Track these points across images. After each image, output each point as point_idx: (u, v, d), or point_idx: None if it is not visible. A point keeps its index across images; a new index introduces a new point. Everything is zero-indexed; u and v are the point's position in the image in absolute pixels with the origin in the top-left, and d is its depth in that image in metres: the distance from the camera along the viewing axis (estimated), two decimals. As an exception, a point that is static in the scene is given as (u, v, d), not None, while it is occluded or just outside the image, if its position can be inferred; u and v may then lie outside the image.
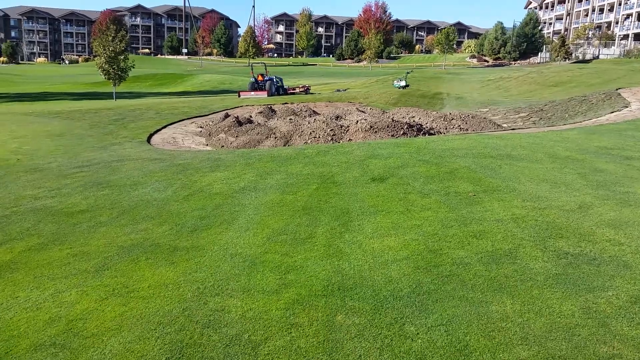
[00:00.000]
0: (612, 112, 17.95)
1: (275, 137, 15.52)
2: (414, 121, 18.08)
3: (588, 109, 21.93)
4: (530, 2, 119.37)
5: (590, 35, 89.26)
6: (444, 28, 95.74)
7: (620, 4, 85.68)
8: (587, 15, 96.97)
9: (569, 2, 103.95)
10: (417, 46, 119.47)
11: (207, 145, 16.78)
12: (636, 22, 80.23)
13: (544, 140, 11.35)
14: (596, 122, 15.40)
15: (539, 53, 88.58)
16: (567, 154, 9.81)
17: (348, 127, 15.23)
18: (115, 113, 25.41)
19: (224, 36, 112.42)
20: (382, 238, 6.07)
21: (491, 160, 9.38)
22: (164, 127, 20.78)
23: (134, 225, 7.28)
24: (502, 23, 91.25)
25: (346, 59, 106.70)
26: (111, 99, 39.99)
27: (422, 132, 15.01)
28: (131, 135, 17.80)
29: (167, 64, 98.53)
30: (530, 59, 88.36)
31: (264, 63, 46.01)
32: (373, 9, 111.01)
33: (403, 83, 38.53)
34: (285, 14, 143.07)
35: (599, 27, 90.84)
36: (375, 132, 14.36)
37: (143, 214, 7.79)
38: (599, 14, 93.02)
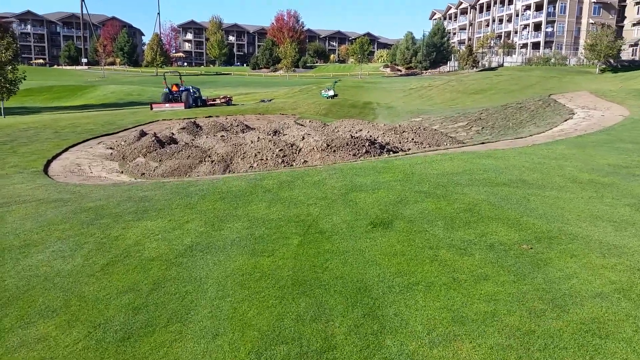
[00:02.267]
0: (566, 121, 17.19)
1: (212, 161, 12.73)
2: (365, 136, 16.10)
3: (531, 117, 21.34)
4: (435, 13, 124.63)
5: (492, 44, 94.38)
6: (356, 38, 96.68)
7: (517, 15, 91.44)
8: (488, 25, 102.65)
9: (470, 12, 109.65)
10: (331, 56, 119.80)
11: (122, 172, 13.58)
12: (533, 32, 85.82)
13: (541, 158, 9.74)
14: (559, 132, 14.32)
15: (448, 62, 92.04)
16: (586, 177, 8.17)
17: (299, 146, 12.84)
18: (2, 134, 20.98)
19: (127, 44, 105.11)
20: (449, 344, 3.79)
21: (509, 190, 7.47)
22: (65, 150, 17.06)
23: (23, 331, 4.48)
24: (412, 33, 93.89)
25: (262, 68, 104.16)
26: (-2, 116, 34.38)
27: (385, 150, 13.01)
28: (23, 164, 14.07)
29: (65, 74, 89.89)
30: (440, 67, 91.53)
31: (179, 72, 42.26)
32: (285, 17, 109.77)
33: (331, 93, 36.89)
34: (193, 22, 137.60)
35: (499, 36, 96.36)
36: (334, 151, 12.13)
37: (39, 304, 4.94)
38: (499, 24, 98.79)
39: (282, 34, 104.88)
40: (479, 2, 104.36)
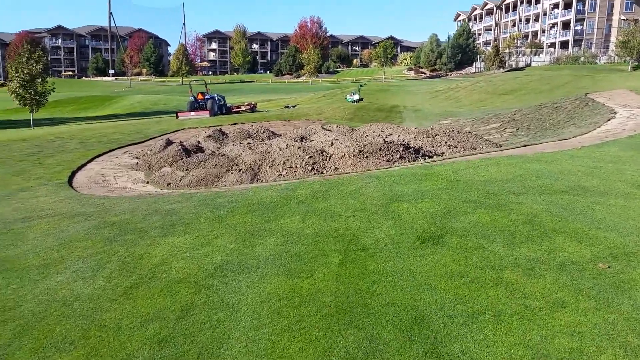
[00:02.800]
0: (609, 120, 16.16)
1: (240, 170, 12.24)
2: (396, 140, 15.42)
3: (569, 118, 20.29)
4: (459, 15, 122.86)
5: (519, 44, 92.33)
6: (380, 42, 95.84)
7: (545, 14, 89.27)
8: (514, 25, 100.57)
9: (496, 13, 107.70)
10: (354, 60, 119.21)
11: (147, 182, 13.23)
12: (561, 31, 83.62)
13: (596, 162, 8.92)
14: (605, 133, 13.37)
15: (474, 63, 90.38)
16: (654, 182, 7.34)
17: (329, 153, 12.25)
18: (30, 145, 21.06)
19: (153, 55, 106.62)
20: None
21: (569, 199, 6.72)
22: (90, 160, 16.88)
23: (36, 372, 4.00)
24: (436, 35, 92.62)
25: (284, 74, 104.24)
26: (28, 127, 34.86)
27: (420, 155, 12.31)
28: (48, 175, 13.87)
29: (93, 85, 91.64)
30: (466, 69, 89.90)
31: (204, 80, 42.34)
32: (309, 24, 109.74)
33: (357, 97, 36.28)
34: (217, 32, 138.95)
35: (526, 36, 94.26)
36: (366, 157, 11.50)
37: (56, 335, 4.47)
38: (526, 23, 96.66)
39: (305, 40, 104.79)
40: (505, 2, 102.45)
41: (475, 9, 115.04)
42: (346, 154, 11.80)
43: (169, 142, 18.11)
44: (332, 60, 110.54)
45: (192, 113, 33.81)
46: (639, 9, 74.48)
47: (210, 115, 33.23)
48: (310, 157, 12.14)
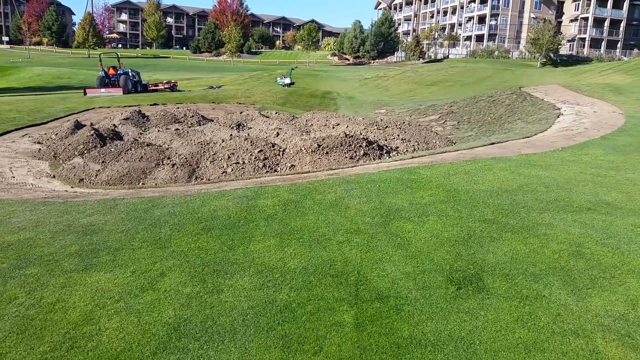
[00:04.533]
0: (558, 117, 15.88)
1: (173, 165, 10.09)
2: (344, 131, 13.99)
3: (511, 112, 20.05)
4: (380, 3, 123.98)
5: (436, 36, 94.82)
6: (302, 25, 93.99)
7: (462, 8, 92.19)
8: (432, 17, 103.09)
9: (415, 3, 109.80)
10: (277, 42, 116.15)
11: (53, 177, 10.68)
12: (477, 25, 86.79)
13: (595, 168, 8.04)
14: (566, 131, 12.88)
15: (395, 52, 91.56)
16: (676, 197, 6.48)
17: (282, 147, 10.49)
18: None
19: (55, 23, 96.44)
20: None
21: (603, 219, 5.62)
22: (-23, 145, 13.72)
23: None
24: (360, 22, 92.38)
25: (203, 52, 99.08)
26: None
27: (384, 151, 10.94)
28: None
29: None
30: (388, 58, 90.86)
31: (117, 53, 38.25)
32: (229, 0, 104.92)
33: (288, 80, 34.43)
34: (128, 2, 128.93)
35: (443, 28, 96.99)
36: (327, 153, 9.92)
37: None
38: (444, 16, 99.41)
39: (226, 16, 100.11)
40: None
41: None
42: (302, 148, 10.13)
43: (78, 125, 15.29)
44: (253, 40, 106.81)
45: (103, 90, 30.08)
46: (546, 9, 79.04)
47: (123, 93, 29.74)
48: (261, 151, 10.31)
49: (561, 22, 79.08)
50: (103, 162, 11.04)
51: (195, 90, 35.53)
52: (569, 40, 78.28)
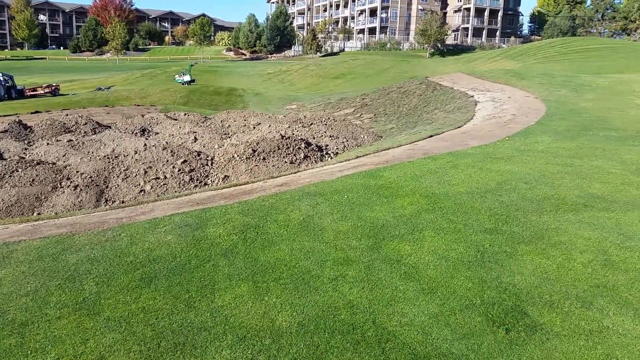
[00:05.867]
0: (476, 105, 15.98)
1: (76, 187, 8.17)
2: (267, 130, 12.85)
3: (425, 102, 20.06)
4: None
5: (331, 30, 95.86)
6: (192, 19, 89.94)
7: (354, 1, 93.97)
8: (325, 10, 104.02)
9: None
10: (166, 37, 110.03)
11: None
12: (369, 18, 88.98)
13: (558, 158, 7.69)
14: (493, 118, 12.82)
15: (293, 46, 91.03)
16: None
17: (209, 155, 9.03)
18: None
19: None
20: None
21: (608, 216, 5.10)
22: None
23: None
24: (254, 16, 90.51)
25: (84, 51, 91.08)
26: None
27: (324, 152, 9.93)
28: None
29: None
30: (285, 52, 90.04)
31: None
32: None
33: (188, 78, 32.12)
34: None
35: (337, 22, 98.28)
36: (264, 159, 8.67)
37: None
38: (336, 9, 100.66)
39: (108, 12, 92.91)
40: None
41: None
42: (235, 155, 8.77)
43: (-61, 142, 12.43)
44: (140, 37, 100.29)
45: (-32, 98, 25.88)
46: (432, 1, 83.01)
47: (-5, 101, 25.80)
48: (185, 161, 8.77)
49: (446, 12, 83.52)
50: (-20, 188, 8.79)
51: (80, 93, 31.90)
52: (453, 30, 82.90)
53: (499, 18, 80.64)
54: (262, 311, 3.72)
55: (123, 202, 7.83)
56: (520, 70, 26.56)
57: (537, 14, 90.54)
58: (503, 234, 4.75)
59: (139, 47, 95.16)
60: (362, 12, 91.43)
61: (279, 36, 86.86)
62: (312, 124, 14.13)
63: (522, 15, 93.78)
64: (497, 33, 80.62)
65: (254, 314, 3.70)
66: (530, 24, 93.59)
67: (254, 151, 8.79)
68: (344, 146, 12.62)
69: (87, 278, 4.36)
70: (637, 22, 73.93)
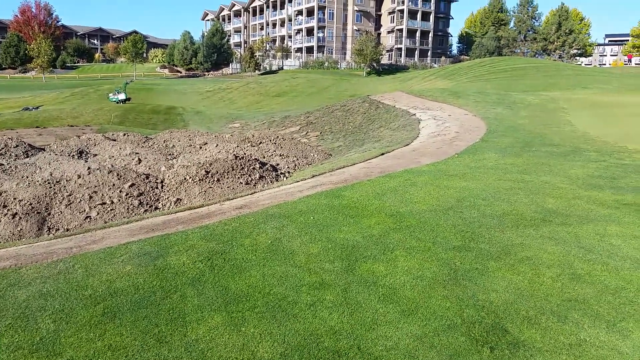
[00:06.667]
0: (419, 123, 16.48)
1: (14, 215, 7.51)
2: (215, 150, 12.60)
3: (369, 120, 20.46)
4: (207, 14, 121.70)
5: (268, 48, 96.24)
6: (123, 36, 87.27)
7: (290, 20, 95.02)
8: (262, 28, 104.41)
9: (244, 15, 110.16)
10: (96, 55, 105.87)
11: None
12: (306, 37, 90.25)
13: (510, 174, 8.00)
14: (439, 136, 13.26)
15: (230, 64, 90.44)
16: (601, 196, 6.60)
17: (159, 177, 8.65)
18: None
19: None
20: None
21: (565, 230, 5.33)
22: None
23: None
24: (189, 33, 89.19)
25: (5, 68, 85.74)
26: None
27: (279, 172, 9.80)
28: None
29: None
30: (223, 69, 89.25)
31: None
32: (34, 9, 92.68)
33: (123, 96, 30.94)
34: None
35: (274, 40, 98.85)
36: (218, 180, 8.41)
37: None
38: (273, 28, 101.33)
39: (32, 28, 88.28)
40: (252, 5, 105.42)
41: (224, 9, 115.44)
42: (187, 177, 8.45)
43: None
44: (67, 54, 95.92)
45: None
46: (366, 21, 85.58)
47: None
48: (132, 185, 8.33)
49: (380, 33, 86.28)
50: None
51: (5, 113, 29.85)
52: (388, 51, 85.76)
53: (430, 39, 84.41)
54: (240, 343, 3.54)
55: (68, 229, 7.30)
56: (455, 89, 27.78)
57: (465, 34, 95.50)
58: (471, 251, 4.84)
59: (67, 64, 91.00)
60: (298, 31, 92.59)
61: (215, 53, 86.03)
62: (261, 142, 13.98)
63: (452, 36, 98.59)
64: (429, 53, 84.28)
65: (232, 346, 3.51)
66: (459, 45, 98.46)
67: (207, 172, 8.52)
68: (295, 165, 12.55)
69: (41, 315, 3.98)
70: (555, 43, 79.96)
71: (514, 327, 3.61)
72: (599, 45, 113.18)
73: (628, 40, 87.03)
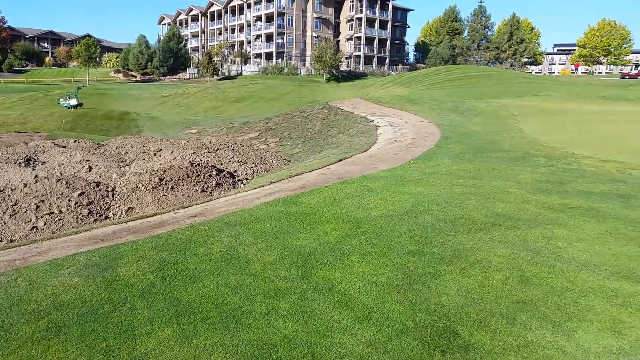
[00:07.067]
0: (377, 129, 16.70)
1: None
2: (171, 157, 12.36)
3: (327, 126, 20.57)
4: (164, 18, 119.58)
5: (227, 53, 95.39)
6: (78, 39, 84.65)
7: (249, 26, 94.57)
8: (220, 33, 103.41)
9: (202, 20, 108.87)
10: (46, 58, 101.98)
11: None
12: (265, 43, 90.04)
13: (462, 179, 8.18)
14: (396, 142, 13.47)
15: (188, 69, 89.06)
16: (549, 200, 6.85)
17: (109, 185, 8.38)
18: None
19: None
20: None
21: (514, 234, 5.47)
22: None
23: None
24: (145, 37, 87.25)
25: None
26: None
27: (236, 179, 9.68)
28: None
29: None
30: (180, 74, 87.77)
31: None
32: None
33: (74, 101, 29.90)
34: None
35: (233, 45, 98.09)
36: (172, 188, 8.23)
37: None
38: (232, 33, 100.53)
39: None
40: (210, 10, 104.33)
41: (181, 13, 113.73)
42: (140, 185, 8.22)
43: None
44: (15, 57, 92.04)
45: None
46: (325, 29, 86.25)
47: None
48: (82, 193, 8.02)
49: (339, 40, 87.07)
50: None
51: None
52: (347, 58, 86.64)
53: (388, 47, 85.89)
54: (191, 355, 3.45)
55: (12, 241, 6.95)
56: (411, 96, 28.34)
57: (421, 43, 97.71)
58: (425, 255, 4.92)
59: (15, 68, 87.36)
60: (258, 36, 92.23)
61: (172, 58, 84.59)
62: (218, 149, 13.80)
63: (408, 44, 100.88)
64: (387, 61, 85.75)
65: (183, 359, 3.42)
66: (415, 53, 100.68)
67: (161, 180, 8.32)
68: (254, 171, 12.45)
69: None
70: (507, 52, 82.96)
71: (465, 330, 3.68)
72: (549, 54, 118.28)
73: (575, 50, 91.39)
